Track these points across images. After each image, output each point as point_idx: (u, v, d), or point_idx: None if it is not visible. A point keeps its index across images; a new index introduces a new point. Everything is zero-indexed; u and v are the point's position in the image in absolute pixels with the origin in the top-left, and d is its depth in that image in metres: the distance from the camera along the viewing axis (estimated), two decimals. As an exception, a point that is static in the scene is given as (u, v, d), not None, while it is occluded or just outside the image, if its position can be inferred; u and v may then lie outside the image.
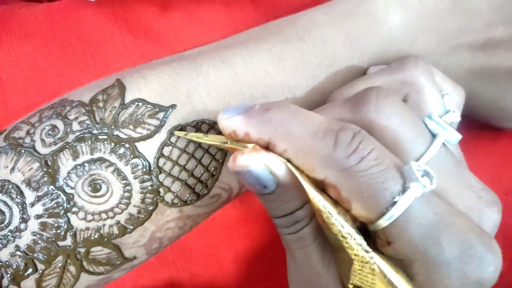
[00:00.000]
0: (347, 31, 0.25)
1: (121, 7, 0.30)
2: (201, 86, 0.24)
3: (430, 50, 0.26)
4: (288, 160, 0.19)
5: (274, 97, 0.24)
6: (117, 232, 0.22)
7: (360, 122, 0.19)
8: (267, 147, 0.19)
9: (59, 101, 0.24)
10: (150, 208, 0.23)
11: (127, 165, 0.22)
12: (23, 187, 0.22)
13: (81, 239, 0.22)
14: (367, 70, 0.25)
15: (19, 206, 0.21)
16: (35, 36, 0.29)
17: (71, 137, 0.22)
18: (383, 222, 0.17)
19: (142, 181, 0.22)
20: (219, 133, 0.23)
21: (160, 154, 0.23)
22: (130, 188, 0.22)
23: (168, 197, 0.23)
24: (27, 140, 0.23)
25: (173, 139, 0.23)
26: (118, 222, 0.22)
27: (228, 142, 0.20)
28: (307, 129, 0.18)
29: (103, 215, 0.22)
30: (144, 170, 0.22)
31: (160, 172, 0.23)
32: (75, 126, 0.23)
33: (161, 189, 0.23)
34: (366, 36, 0.25)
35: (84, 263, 0.23)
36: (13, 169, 0.22)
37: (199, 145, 0.23)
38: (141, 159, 0.22)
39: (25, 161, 0.22)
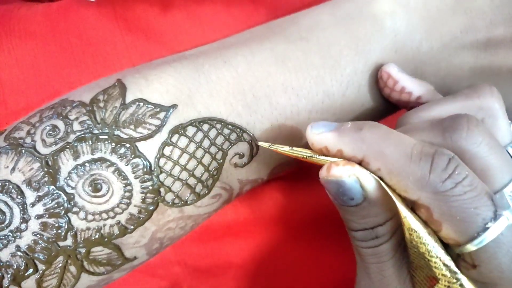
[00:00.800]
0: (352, 34, 0.25)
1: (121, 7, 0.30)
2: (203, 86, 0.24)
3: (432, 57, 0.26)
4: (381, 178, 0.20)
5: (277, 97, 0.24)
6: (118, 232, 0.22)
7: (450, 148, 0.20)
8: (359, 164, 0.20)
9: (59, 101, 0.24)
10: (151, 208, 0.23)
11: (127, 165, 0.22)
12: (23, 187, 0.22)
13: (82, 239, 0.22)
14: (383, 67, 0.25)
15: (20, 206, 0.21)
16: (35, 36, 0.29)
17: (72, 137, 0.22)
18: (472, 247, 0.18)
19: (143, 181, 0.22)
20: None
21: (161, 154, 0.23)
22: (130, 188, 0.22)
23: (169, 197, 0.23)
24: (28, 140, 0.22)
25: (174, 139, 0.23)
26: (118, 222, 0.22)
27: (316, 156, 0.21)
28: (401, 151, 0.19)
29: (104, 215, 0.22)
30: (145, 170, 0.22)
31: (161, 172, 0.23)
32: (76, 126, 0.22)
33: (161, 189, 0.23)
34: (372, 41, 0.25)
35: (85, 263, 0.22)
36: (13, 169, 0.22)
37: (199, 145, 0.23)
38: (141, 159, 0.22)
39: (25, 161, 0.22)
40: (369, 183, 0.20)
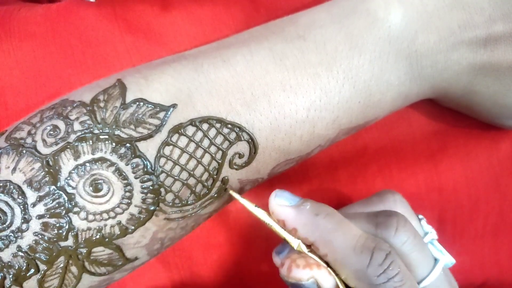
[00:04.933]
0: (347, 29, 0.25)
1: (121, 7, 0.30)
2: (202, 85, 0.24)
3: (428, 49, 0.26)
4: (327, 263, 0.23)
5: (275, 95, 0.24)
6: (119, 232, 0.22)
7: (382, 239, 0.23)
8: (310, 245, 0.23)
9: (60, 101, 0.24)
10: (152, 208, 0.23)
11: (128, 164, 0.22)
12: (24, 187, 0.22)
13: (83, 239, 0.22)
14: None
15: (21, 206, 0.21)
16: (35, 37, 0.29)
17: (73, 137, 0.22)
18: None
19: (143, 181, 0.22)
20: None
21: (161, 154, 0.23)
22: (131, 188, 0.22)
23: (169, 197, 0.23)
24: (29, 140, 0.23)
25: (173, 139, 0.23)
26: (119, 222, 0.22)
27: (274, 228, 0.24)
28: (347, 242, 0.23)
29: (105, 215, 0.22)
30: (145, 170, 0.22)
31: (161, 172, 0.23)
32: (76, 126, 0.23)
33: (162, 189, 0.23)
34: (365, 35, 0.25)
35: (86, 263, 0.23)
36: (14, 169, 0.22)
37: (199, 144, 0.23)
38: (142, 158, 0.22)
39: (26, 161, 0.22)
40: (326, 284, 0.23)
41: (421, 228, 0.27)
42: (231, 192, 0.24)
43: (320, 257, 0.23)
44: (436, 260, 0.25)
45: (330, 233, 0.23)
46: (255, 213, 0.24)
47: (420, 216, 0.28)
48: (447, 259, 0.25)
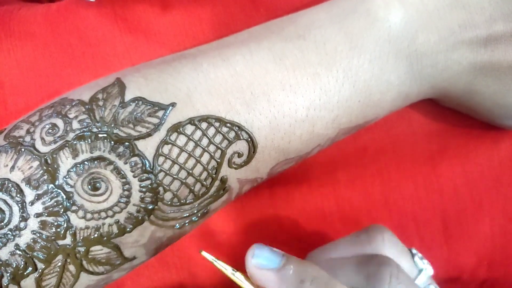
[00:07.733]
0: (347, 29, 0.25)
1: (121, 7, 0.30)
2: (201, 84, 0.24)
3: (428, 49, 0.26)
4: None
5: (275, 95, 0.24)
6: (117, 231, 0.22)
7: None
8: None
9: (59, 100, 0.24)
10: (150, 207, 0.23)
11: (126, 163, 0.22)
12: (23, 185, 0.22)
13: (81, 238, 0.22)
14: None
15: (19, 204, 0.21)
16: (35, 37, 0.29)
17: (71, 135, 0.22)
18: None
19: (142, 180, 0.22)
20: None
21: (160, 153, 0.23)
22: (129, 186, 0.22)
23: (168, 196, 0.23)
24: (27, 138, 0.23)
25: (172, 137, 0.23)
26: (117, 221, 0.22)
27: None
28: None
29: (103, 214, 0.22)
30: (144, 168, 0.22)
31: (160, 171, 0.23)
32: (75, 125, 0.22)
33: (160, 188, 0.23)
34: (365, 35, 0.25)
35: (84, 262, 0.22)
36: (13, 167, 0.22)
37: (198, 143, 0.23)
38: (140, 157, 0.22)
39: (25, 159, 0.22)
40: None
41: (415, 265, 0.26)
42: (204, 254, 0.23)
43: None
44: None
45: None
46: (233, 278, 0.22)
47: (414, 251, 0.27)
48: None
